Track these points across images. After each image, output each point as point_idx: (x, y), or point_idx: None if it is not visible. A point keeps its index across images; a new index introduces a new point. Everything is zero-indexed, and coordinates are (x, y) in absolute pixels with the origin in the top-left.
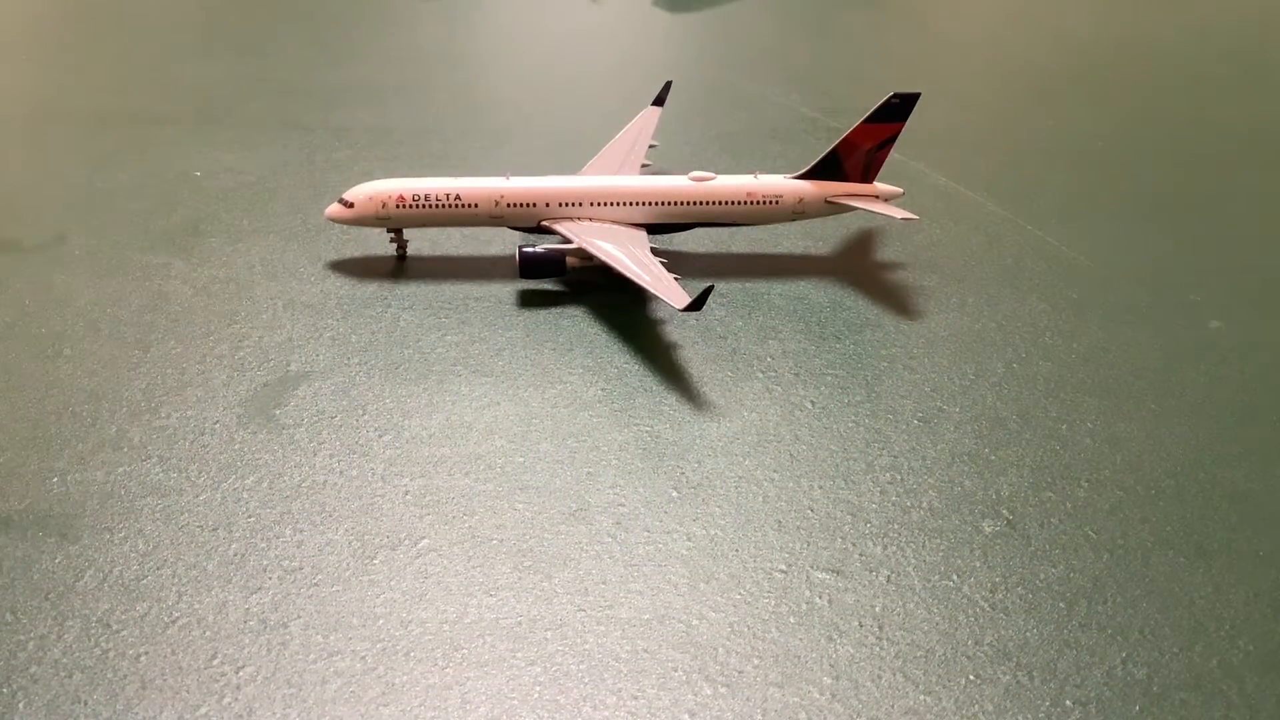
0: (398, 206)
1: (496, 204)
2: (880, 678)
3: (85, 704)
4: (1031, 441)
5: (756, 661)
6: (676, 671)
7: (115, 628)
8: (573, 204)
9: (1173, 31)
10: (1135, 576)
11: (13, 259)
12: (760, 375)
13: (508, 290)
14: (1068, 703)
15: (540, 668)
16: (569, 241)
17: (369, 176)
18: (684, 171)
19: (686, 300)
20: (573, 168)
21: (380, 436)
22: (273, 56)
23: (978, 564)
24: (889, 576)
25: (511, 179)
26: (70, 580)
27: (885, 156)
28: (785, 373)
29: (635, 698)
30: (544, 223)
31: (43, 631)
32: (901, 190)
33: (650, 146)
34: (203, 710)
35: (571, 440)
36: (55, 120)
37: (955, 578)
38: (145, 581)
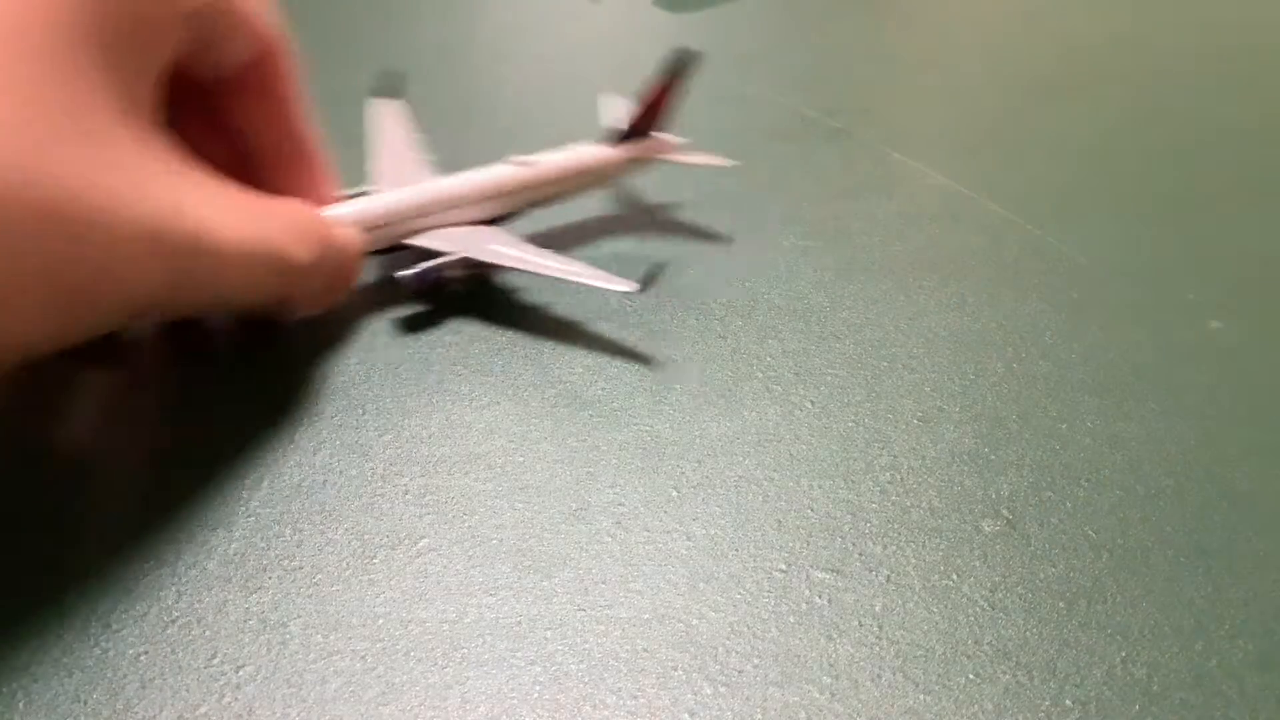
0: None
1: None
2: (880, 677)
3: (85, 704)
4: (1031, 441)
5: (756, 661)
6: (676, 671)
7: (115, 627)
8: (424, 214)
9: (1173, 31)
10: (1135, 576)
11: None
12: (760, 375)
13: (506, 289)
14: (1068, 702)
15: (540, 667)
16: (438, 255)
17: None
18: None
19: (633, 284)
20: None
21: (380, 436)
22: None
23: (978, 564)
24: (889, 576)
25: (358, 200)
26: (70, 580)
27: (672, 111)
28: (785, 373)
29: (635, 697)
30: (402, 241)
31: (42, 631)
32: (690, 140)
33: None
34: (203, 710)
35: (571, 440)
36: None
37: (955, 577)
38: (145, 581)
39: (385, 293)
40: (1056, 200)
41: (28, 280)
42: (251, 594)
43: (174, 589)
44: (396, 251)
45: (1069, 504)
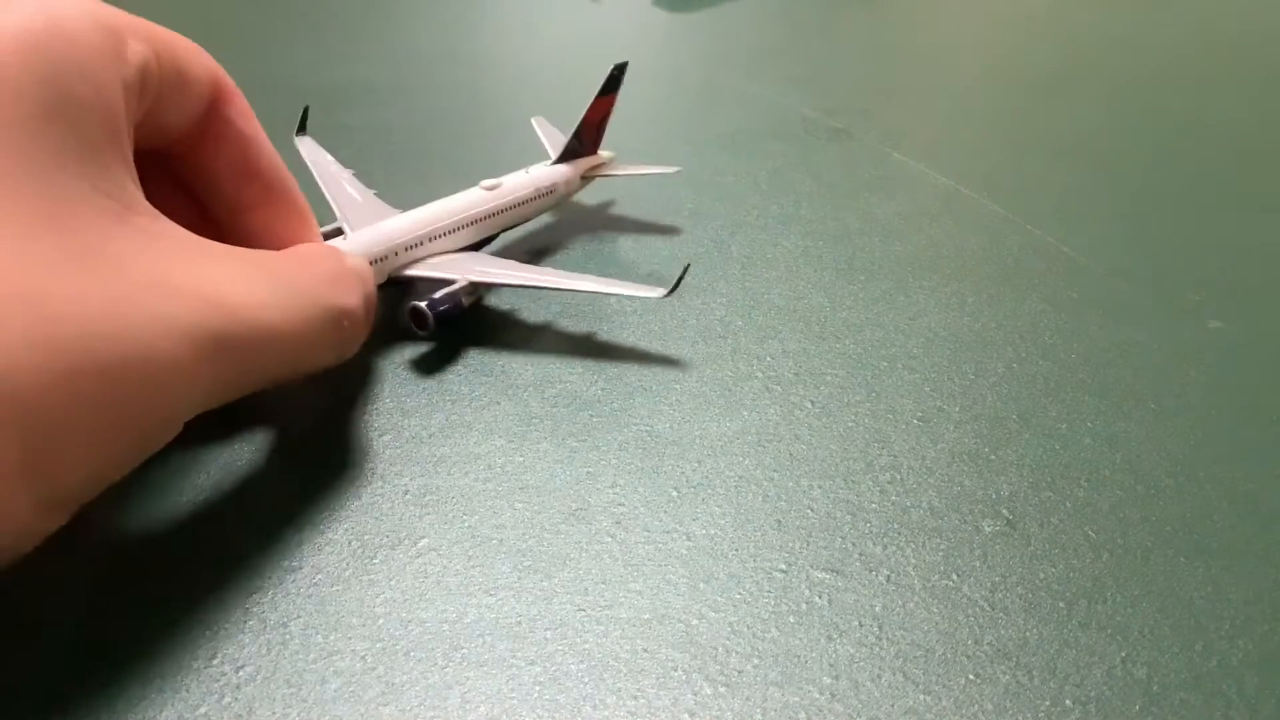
0: None
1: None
2: (880, 677)
3: (85, 703)
4: (1031, 441)
5: (756, 661)
6: (676, 671)
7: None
8: (414, 245)
9: (1172, 31)
10: (1135, 576)
11: None
12: (760, 375)
13: (506, 289)
14: (1067, 702)
15: (540, 667)
16: (445, 284)
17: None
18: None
19: (660, 289)
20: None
21: (380, 436)
22: (273, 56)
23: (978, 564)
24: (889, 576)
25: (349, 235)
26: (70, 580)
27: (607, 125)
28: (785, 373)
29: (635, 697)
30: (393, 274)
31: (43, 631)
32: (614, 154)
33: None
34: (202, 710)
35: (571, 440)
36: None
37: (955, 577)
38: (145, 581)
39: (391, 332)
40: (1056, 200)
41: (67, 440)
42: (251, 594)
43: (174, 589)
44: (385, 288)
45: (1069, 504)
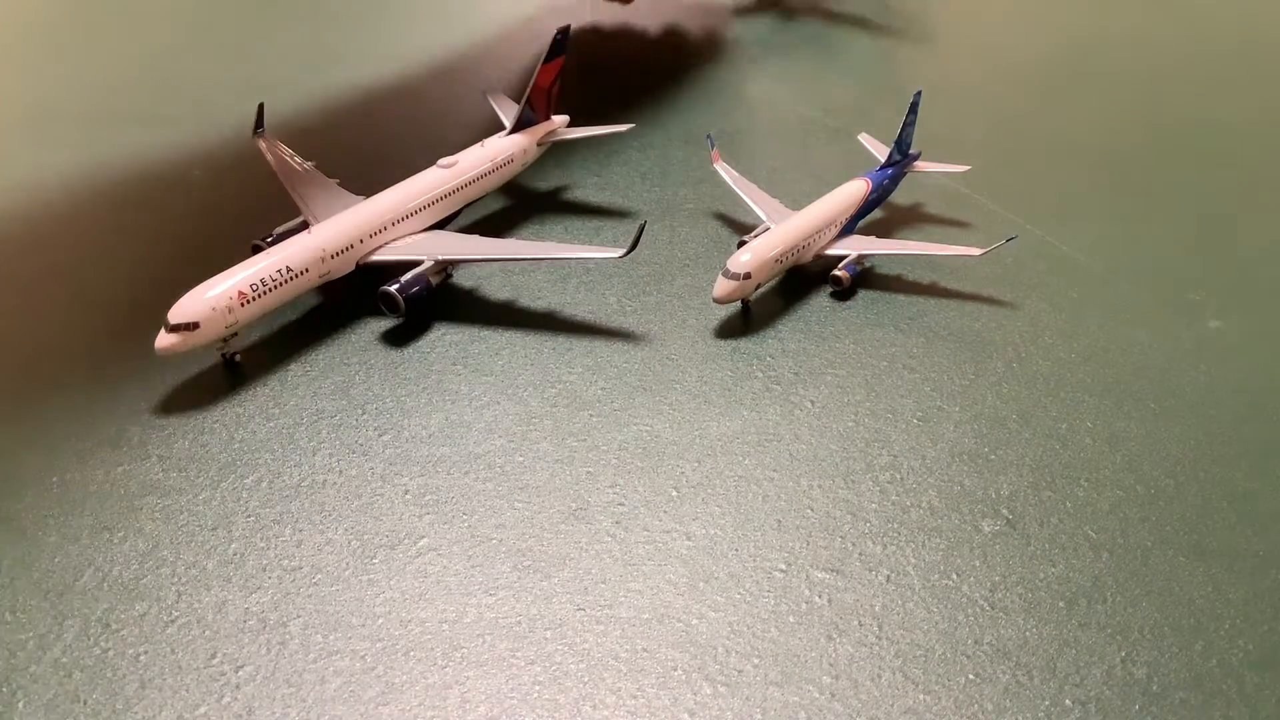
0: (242, 305)
1: (323, 260)
2: (880, 677)
3: (84, 703)
4: (1031, 441)
5: (756, 661)
6: (676, 671)
7: (115, 627)
8: (379, 231)
9: (1173, 31)
10: (1135, 576)
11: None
12: (760, 375)
13: (505, 289)
14: (1067, 702)
15: (540, 667)
16: (412, 266)
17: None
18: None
19: (621, 250)
20: (572, 166)
21: (380, 436)
22: (271, 56)
23: (977, 563)
24: (888, 576)
25: (314, 229)
26: (70, 579)
27: (558, 90)
28: (785, 372)
29: (635, 697)
30: (361, 262)
31: (42, 630)
32: (566, 117)
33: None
34: (202, 710)
35: (571, 440)
36: (55, 120)
37: (955, 577)
38: (145, 581)
39: (365, 308)
40: (1056, 200)
41: None
42: (251, 594)
43: (174, 589)
44: (351, 274)
45: (1069, 504)
